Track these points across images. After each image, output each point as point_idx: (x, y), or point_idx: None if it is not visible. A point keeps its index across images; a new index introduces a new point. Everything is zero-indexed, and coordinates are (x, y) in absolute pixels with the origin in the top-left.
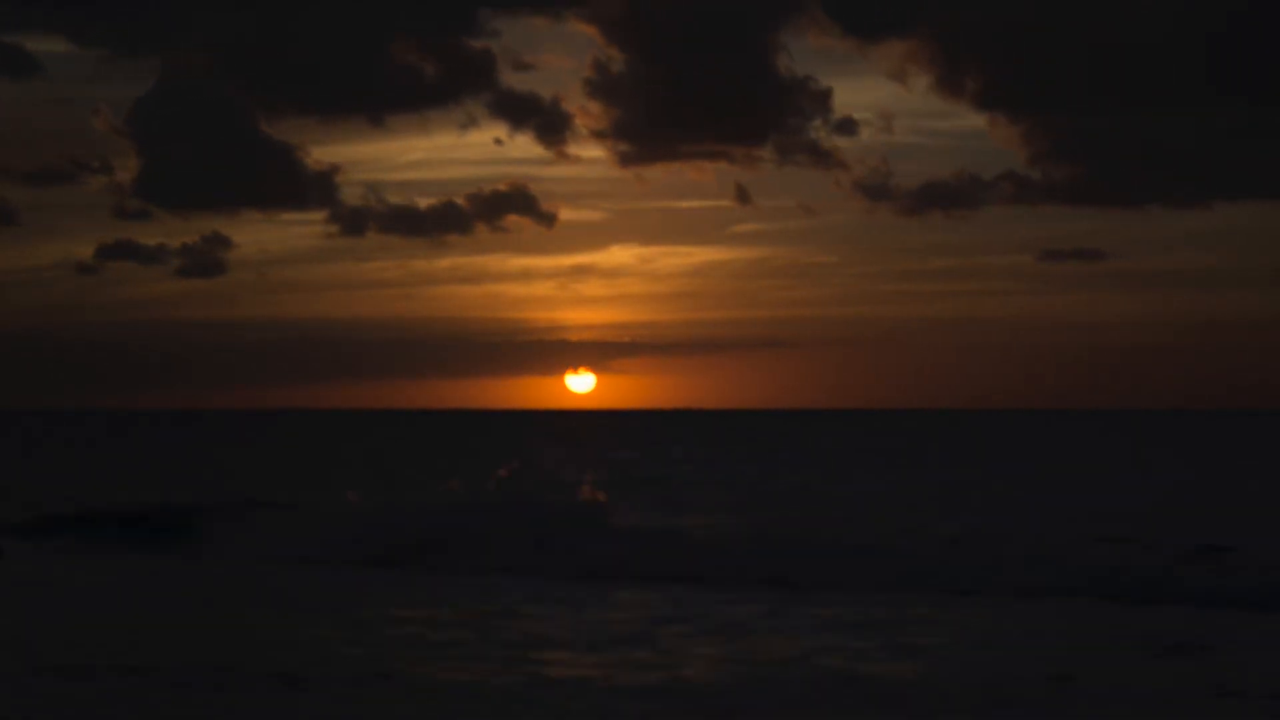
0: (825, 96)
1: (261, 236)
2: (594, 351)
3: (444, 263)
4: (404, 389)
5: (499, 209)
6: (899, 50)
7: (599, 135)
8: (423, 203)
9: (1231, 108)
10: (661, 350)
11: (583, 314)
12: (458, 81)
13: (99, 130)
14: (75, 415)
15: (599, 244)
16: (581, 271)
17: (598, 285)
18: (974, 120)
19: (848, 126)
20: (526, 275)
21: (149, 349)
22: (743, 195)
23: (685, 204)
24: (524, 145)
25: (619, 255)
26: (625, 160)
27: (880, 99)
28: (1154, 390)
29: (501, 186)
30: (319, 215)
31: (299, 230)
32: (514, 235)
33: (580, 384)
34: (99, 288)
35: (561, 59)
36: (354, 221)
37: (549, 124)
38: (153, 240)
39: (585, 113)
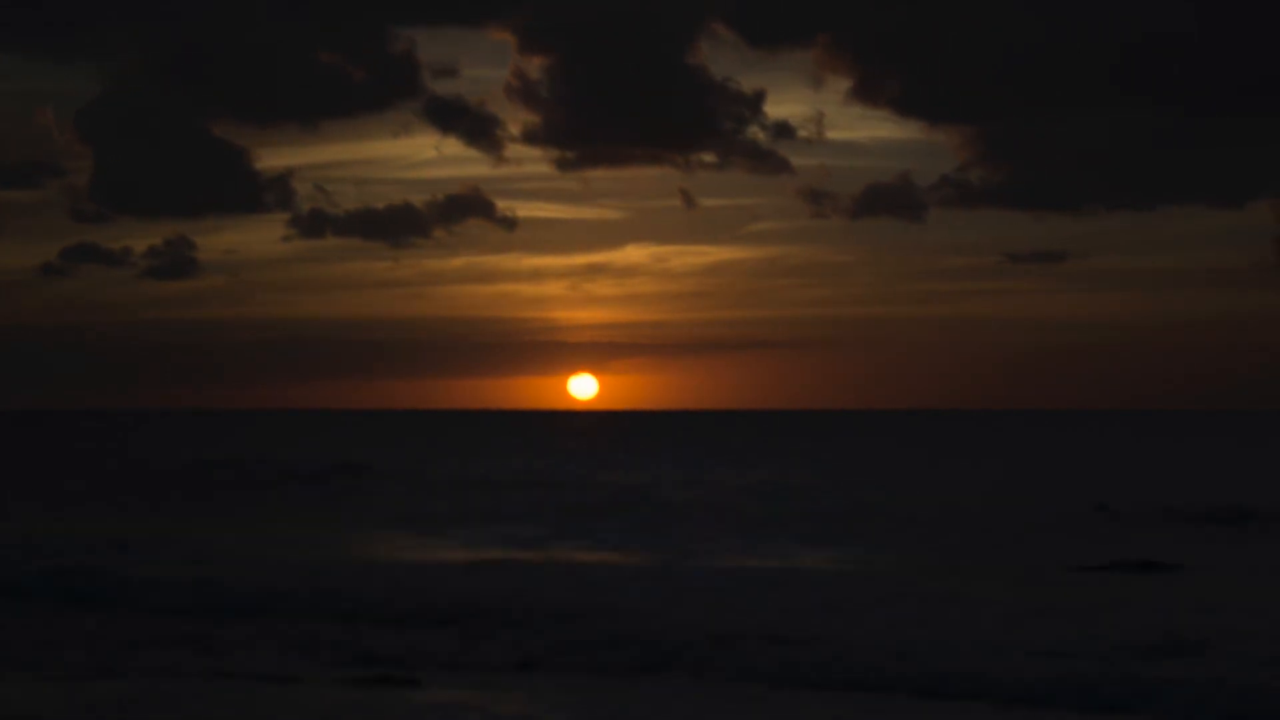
0: (758, 100)
1: (225, 239)
2: (597, 352)
3: (456, 262)
4: (406, 389)
5: (467, 211)
6: (800, 59)
7: (552, 142)
8: (382, 205)
9: (1143, 110)
10: (664, 350)
11: (591, 314)
12: (390, 88)
13: (47, 135)
14: (73, 416)
15: (614, 243)
16: (595, 271)
17: (609, 285)
18: (892, 127)
19: (785, 130)
20: (538, 275)
21: (145, 350)
22: (689, 200)
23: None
24: (474, 150)
25: (633, 254)
26: (567, 165)
27: (791, 106)
28: (1114, 390)
29: (457, 189)
30: (282, 217)
31: (263, 233)
32: (523, 235)
33: (582, 388)
34: (70, 290)
35: (483, 68)
36: (319, 224)
37: (481, 128)
38: (116, 243)
39: (518, 120)
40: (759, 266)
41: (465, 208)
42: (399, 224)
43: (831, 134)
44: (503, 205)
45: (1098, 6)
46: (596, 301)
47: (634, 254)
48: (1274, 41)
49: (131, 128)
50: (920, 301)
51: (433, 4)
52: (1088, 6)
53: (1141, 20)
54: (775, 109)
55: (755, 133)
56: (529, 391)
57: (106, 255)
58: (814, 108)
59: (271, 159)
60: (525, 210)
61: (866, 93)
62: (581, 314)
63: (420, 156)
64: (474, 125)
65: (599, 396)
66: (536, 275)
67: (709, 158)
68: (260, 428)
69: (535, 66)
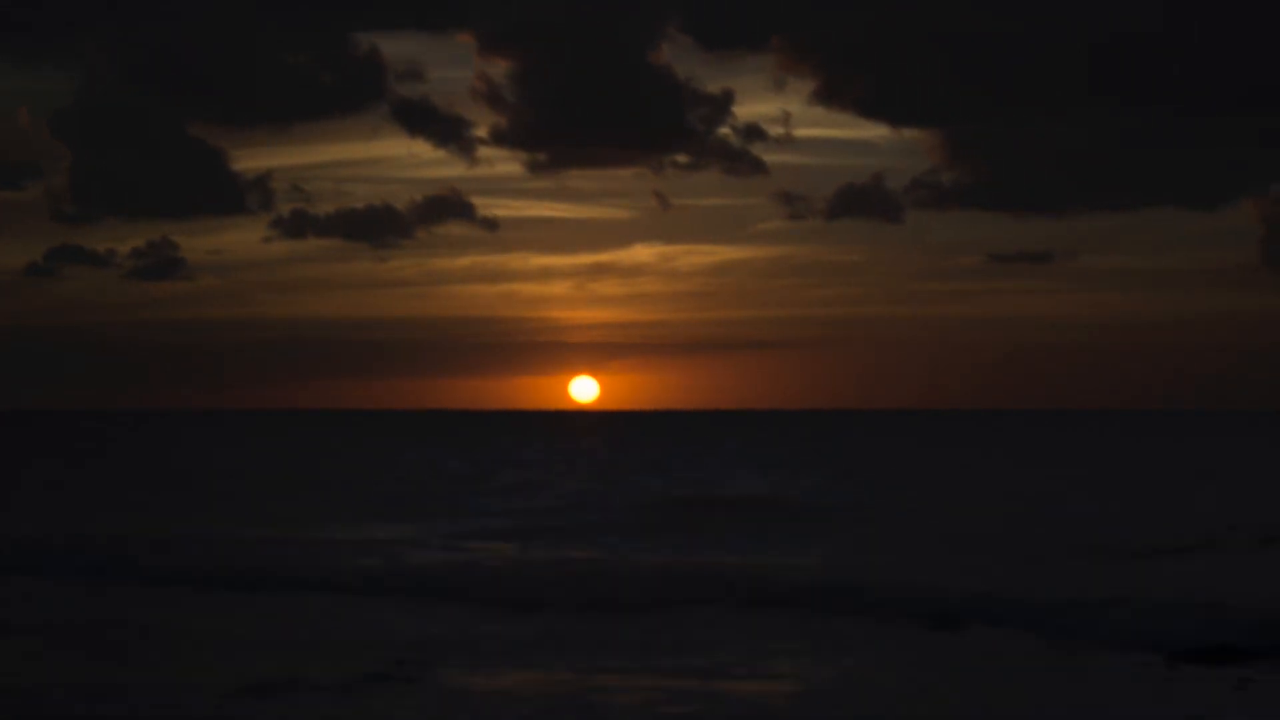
0: (726, 101)
1: (209, 240)
2: (599, 352)
3: (463, 261)
4: (406, 389)
5: (447, 212)
6: (756, 63)
7: (524, 144)
8: (361, 206)
9: (1121, 111)
10: (664, 350)
11: (594, 314)
12: (358, 91)
13: (26, 136)
14: (70, 416)
15: (622, 242)
16: (601, 270)
17: (614, 284)
18: (856, 129)
19: (755, 131)
20: (544, 274)
21: (142, 352)
22: (663, 200)
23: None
24: (443, 152)
25: (640, 254)
26: (539, 166)
27: (752, 108)
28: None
29: (435, 190)
30: (263, 218)
31: (246, 234)
32: (532, 234)
33: (583, 389)
34: (60, 291)
35: (448, 70)
36: (300, 225)
37: (452, 131)
38: (100, 244)
39: (487, 122)
40: (762, 266)
41: (446, 209)
42: (381, 225)
43: (797, 134)
44: (484, 205)
45: (1070, 7)
46: (600, 301)
47: (641, 253)
48: (1256, 43)
49: (106, 129)
50: (916, 302)
51: (393, 9)
52: (1060, 6)
53: (1118, 21)
54: (739, 110)
55: (726, 134)
56: (530, 392)
57: (91, 256)
58: (778, 109)
59: (248, 160)
60: (515, 210)
61: (829, 95)
62: (584, 314)
63: (394, 158)
64: (444, 128)
65: (599, 397)
66: (539, 275)
67: (682, 158)
68: (260, 428)
69: (500, 70)
